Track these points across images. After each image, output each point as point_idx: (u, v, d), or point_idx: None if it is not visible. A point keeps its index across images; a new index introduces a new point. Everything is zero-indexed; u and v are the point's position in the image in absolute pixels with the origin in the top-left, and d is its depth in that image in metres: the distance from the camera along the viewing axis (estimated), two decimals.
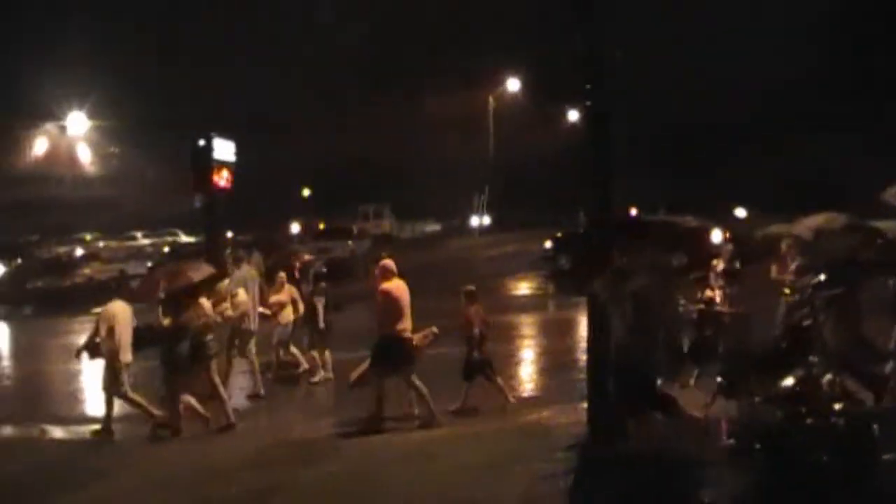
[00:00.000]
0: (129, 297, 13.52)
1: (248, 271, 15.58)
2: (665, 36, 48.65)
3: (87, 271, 35.07)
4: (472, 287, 13.07)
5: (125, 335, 12.53)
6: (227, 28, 70.49)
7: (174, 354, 12.23)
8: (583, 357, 13.73)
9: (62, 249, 45.91)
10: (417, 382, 11.82)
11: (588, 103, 9.71)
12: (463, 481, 8.50)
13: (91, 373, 16.60)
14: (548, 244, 32.31)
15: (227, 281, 14.86)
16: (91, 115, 66.74)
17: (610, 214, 9.57)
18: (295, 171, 73.47)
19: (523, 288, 29.43)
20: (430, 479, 8.79)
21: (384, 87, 67.66)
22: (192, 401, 12.43)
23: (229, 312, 14.14)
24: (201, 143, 35.81)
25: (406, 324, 11.90)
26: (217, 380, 12.64)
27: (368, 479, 8.93)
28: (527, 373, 15.43)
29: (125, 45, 66.28)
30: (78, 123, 68.13)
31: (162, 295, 12.77)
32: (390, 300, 11.89)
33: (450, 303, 13.39)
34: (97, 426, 12.65)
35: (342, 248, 39.01)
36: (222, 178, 36.52)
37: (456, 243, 52.53)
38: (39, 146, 70.90)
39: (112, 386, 12.51)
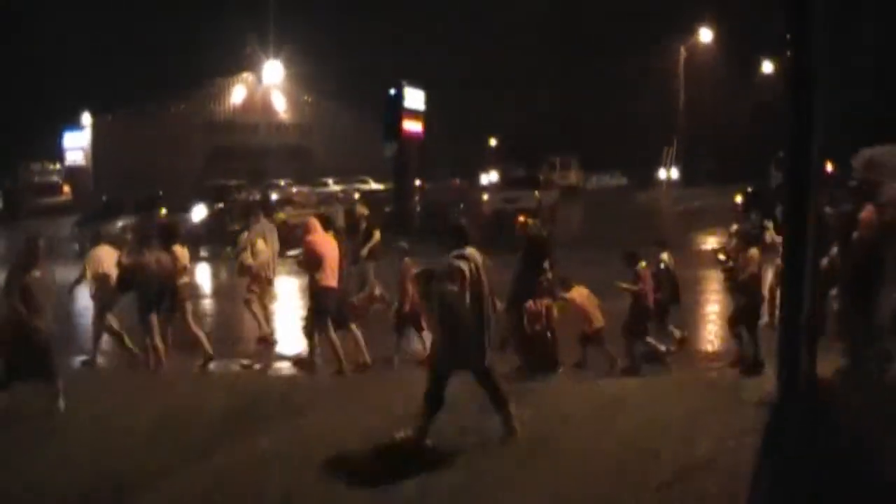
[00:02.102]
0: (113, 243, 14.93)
1: (265, 223, 16.20)
2: None
3: (281, 216, 36.22)
4: (404, 244, 13.82)
5: (111, 276, 13.78)
6: None
7: (143, 296, 13.15)
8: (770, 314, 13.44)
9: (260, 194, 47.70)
10: (332, 336, 12.70)
11: (789, 53, 9.37)
12: (651, 434, 8.51)
13: (286, 312, 17.45)
14: (738, 199, 31.54)
15: (246, 233, 15.75)
16: (286, 65, 68.99)
17: (809, 170, 9.23)
18: (485, 121, 73.99)
19: (711, 243, 28.85)
20: (617, 428, 8.84)
21: (575, 38, 67.01)
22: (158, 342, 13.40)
23: (250, 261, 15.04)
24: (392, 91, 36.44)
25: (326, 275, 12.57)
26: (191, 321, 13.89)
27: (557, 426, 9.02)
28: (714, 329, 15.23)
29: None
30: (274, 72, 70.45)
31: (129, 237, 13.90)
32: (313, 253, 12.68)
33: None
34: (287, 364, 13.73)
35: (528, 197, 39.12)
36: (412, 127, 37.14)
37: (643, 196, 51.84)
38: (237, 94, 73.72)
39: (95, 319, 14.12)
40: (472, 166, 65.06)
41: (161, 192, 41.15)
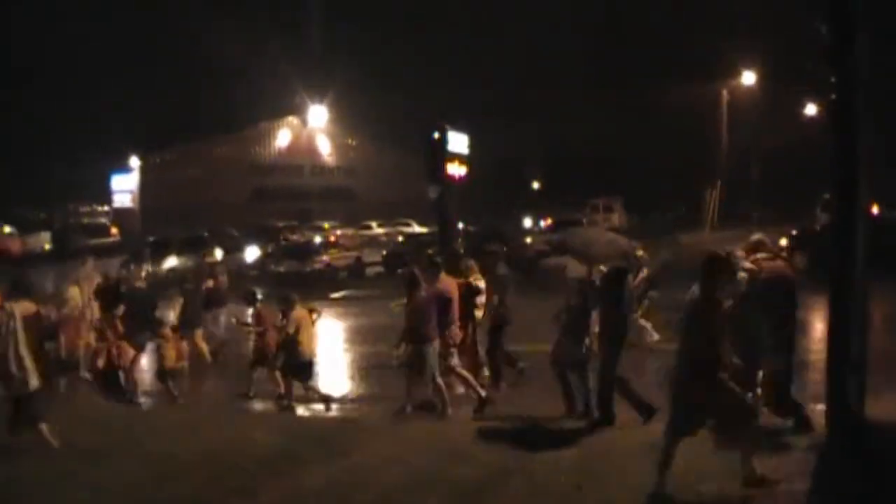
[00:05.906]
0: None
1: (88, 270, 16.81)
2: None
3: (325, 258, 36.50)
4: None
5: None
6: (463, 22, 71.94)
7: None
8: (813, 358, 13.25)
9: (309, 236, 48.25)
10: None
11: (833, 97, 9.36)
12: (696, 478, 8.42)
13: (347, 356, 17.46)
14: (783, 241, 31.20)
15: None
16: (331, 108, 69.86)
17: (856, 212, 9.18)
18: (529, 164, 74.19)
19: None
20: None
21: (619, 80, 67.11)
22: None
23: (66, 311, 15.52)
24: (435, 135, 36.55)
25: None
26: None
27: (604, 468, 8.95)
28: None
29: (363, 42, 68.62)
30: (318, 116, 71.32)
31: None
32: None
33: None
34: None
35: None
36: (456, 170, 37.22)
37: (686, 238, 51.28)
38: (282, 137, 74.63)
39: None
40: (515, 209, 65.14)
41: (206, 233, 41.55)
